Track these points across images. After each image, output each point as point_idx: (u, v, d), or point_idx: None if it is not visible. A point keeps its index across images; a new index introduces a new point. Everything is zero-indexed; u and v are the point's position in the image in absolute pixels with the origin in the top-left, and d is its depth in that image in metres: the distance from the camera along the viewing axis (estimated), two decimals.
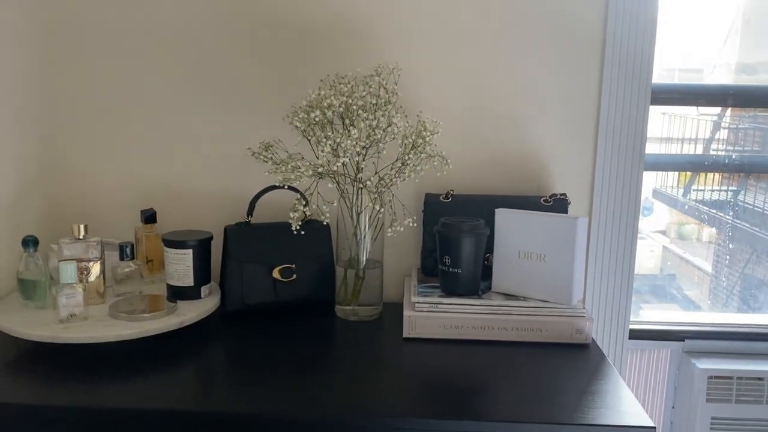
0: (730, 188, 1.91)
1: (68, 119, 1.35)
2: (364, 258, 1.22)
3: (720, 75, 1.85)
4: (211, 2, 1.31)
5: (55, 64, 1.33)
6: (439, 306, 1.14)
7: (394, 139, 1.15)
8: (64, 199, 1.37)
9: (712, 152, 1.91)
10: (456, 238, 1.15)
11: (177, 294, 1.17)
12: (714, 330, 1.47)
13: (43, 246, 1.15)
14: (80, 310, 1.05)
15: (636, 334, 1.45)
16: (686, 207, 2.13)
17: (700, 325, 1.48)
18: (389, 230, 1.17)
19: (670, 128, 1.92)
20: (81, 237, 1.12)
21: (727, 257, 1.93)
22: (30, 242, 1.10)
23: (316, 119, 1.12)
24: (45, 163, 1.34)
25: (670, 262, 2.51)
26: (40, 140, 1.33)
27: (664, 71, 1.58)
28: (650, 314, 1.57)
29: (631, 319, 1.42)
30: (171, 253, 1.17)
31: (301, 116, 1.14)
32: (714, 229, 2.09)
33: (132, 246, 1.18)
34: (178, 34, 1.32)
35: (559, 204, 1.26)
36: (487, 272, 1.21)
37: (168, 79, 1.34)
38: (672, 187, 2.22)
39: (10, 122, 1.23)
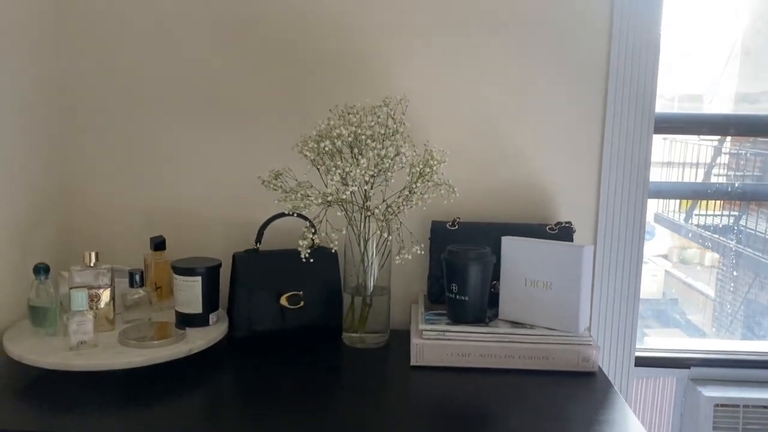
0: (732, 213, 1.92)
1: (79, 147, 1.37)
2: (372, 285, 1.23)
3: (720, 104, 1.87)
4: (223, 33, 1.33)
5: (66, 92, 1.35)
6: (446, 334, 1.15)
7: (402, 168, 1.17)
8: (74, 227, 1.39)
9: (713, 177, 1.92)
10: (463, 266, 1.16)
11: (186, 321, 1.17)
12: (720, 357, 1.47)
13: (54, 273, 1.16)
14: (90, 337, 1.06)
15: (642, 362, 1.45)
16: (690, 234, 2.14)
17: (706, 352, 1.49)
18: (397, 258, 1.18)
19: (672, 153, 1.94)
20: (92, 264, 1.13)
21: (732, 283, 1.94)
22: (41, 270, 1.11)
23: (326, 149, 1.14)
24: (56, 191, 1.36)
25: (673, 287, 2.50)
26: (51, 168, 1.34)
27: (667, 101, 1.60)
28: (655, 341, 1.57)
29: (636, 346, 1.42)
30: (180, 280, 1.18)
31: (310, 146, 1.15)
32: (716, 254, 2.10)
33: (141, 273, 1.19)
34: (189, 64, 1.34)
35: (564, 232, 1.27)
36: (493, 300, 1.21)
37: (178, 108, 1.36)
38: (674, 211, 2.24)
39: (21, 149, 1.25)
